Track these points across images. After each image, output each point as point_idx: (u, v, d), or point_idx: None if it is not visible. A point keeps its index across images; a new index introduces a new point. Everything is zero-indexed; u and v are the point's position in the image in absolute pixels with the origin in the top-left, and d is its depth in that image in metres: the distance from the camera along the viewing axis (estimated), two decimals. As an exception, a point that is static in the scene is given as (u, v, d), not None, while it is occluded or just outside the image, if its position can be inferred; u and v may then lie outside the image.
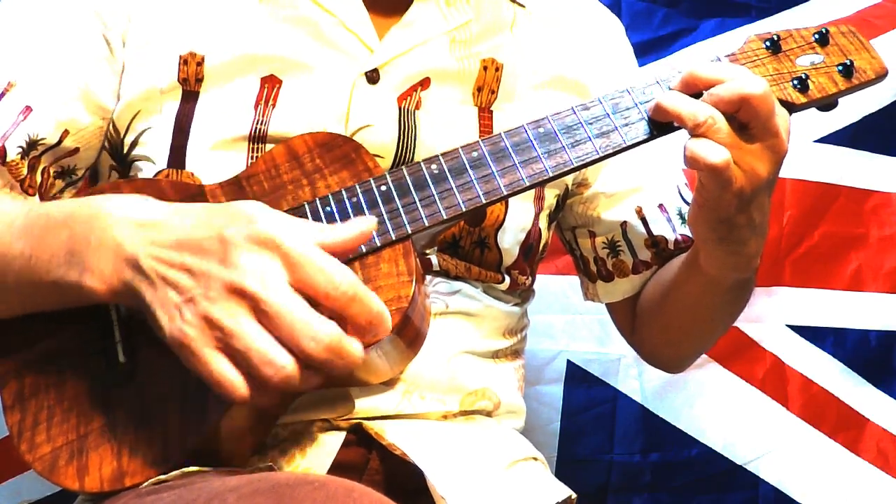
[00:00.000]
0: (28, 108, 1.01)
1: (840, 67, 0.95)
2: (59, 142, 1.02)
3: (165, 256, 0.81)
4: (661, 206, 1.18)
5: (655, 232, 1.17)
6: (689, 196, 1.20)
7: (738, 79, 0.90)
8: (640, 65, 1.29)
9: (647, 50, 1.60)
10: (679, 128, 0.92)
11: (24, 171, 1.01)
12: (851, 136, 1.60)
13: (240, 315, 0.78)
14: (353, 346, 0.79)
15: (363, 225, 0.84)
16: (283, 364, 0.77)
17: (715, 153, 0.88)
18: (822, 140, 1.60)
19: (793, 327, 1.59)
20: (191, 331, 0.78)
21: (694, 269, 1.06)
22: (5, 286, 0.90)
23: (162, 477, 0.86)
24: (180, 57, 1.02)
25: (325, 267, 0.79)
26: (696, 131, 0.89)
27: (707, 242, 0.99)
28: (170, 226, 0.83)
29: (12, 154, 1.00)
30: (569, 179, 1.15)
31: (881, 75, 0.96)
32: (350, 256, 0.89)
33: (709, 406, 1.58)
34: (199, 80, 1.02)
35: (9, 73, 1.02)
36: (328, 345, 0.77)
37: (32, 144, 1.01)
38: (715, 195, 0.91)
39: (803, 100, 0.94)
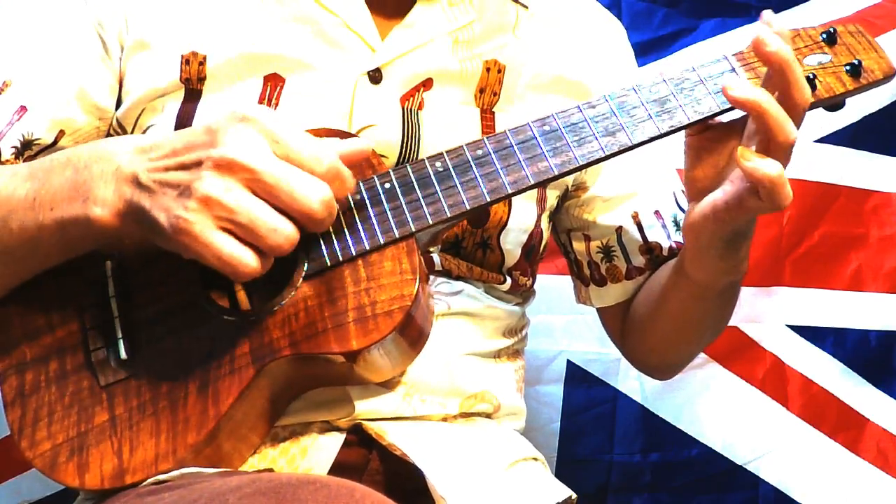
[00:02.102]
0: (23, 108, 1.01)
1: (848, 67, 0.94)
2: (55, 142, 1.02)
3: (161, 165, 0.82)
4: (656, 212, 1.18)
5: (650, 238, 1.17)
6: (685, 203, 1.20)
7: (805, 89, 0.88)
8: (640, 65, 1.29)
9: (647, 50, 1.60)
10: (683, 127, 0.92)
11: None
12: (851, 136, 1.60)
13: (236, 189, 0.79)
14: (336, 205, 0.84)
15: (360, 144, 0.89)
16: (288, 230, 0.80)
17: (788, 196, 0.87)
18: (822, 140, 1.60)
19: (793, 327, 1.59)
20: (191, 216, 0.79)
21: (681, 277, 1.05)
22: (10, 233, 0.89)
23: (162, 477, 0.86)
24: (182, 57, 1.02)
25: (308, 144, 0.82)
26: (772, 142, 0.86)
27: (707, 251, 0.97)
28: (166, 141, 0.84)
29: (6, 154, 1.00)
30: (569, 180, 1.15)
31: (889, 75, 0.95)
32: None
33: (709, 406, 1.58)
34: (202, 80, 1.01)
35: (3, 73, 1.02)
36: (324, 202, 0.81)
37: (27, 144, 1.01)
38: (742, 209, 0.89)
39: (811, 99, 0.94)
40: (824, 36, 0.96)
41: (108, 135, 1.05)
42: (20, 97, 1.01)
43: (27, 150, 1.01)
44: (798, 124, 0.88)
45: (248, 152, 0.80)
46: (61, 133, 1.02)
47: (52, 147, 1.02)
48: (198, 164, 0.80)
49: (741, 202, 0.89)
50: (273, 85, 1.01)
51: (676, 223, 1.18)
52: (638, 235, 1.17)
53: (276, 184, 0.80)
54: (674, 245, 1.17)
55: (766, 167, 0.85)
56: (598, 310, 1.26)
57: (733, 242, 0.95)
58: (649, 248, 1.17)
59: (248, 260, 0.80)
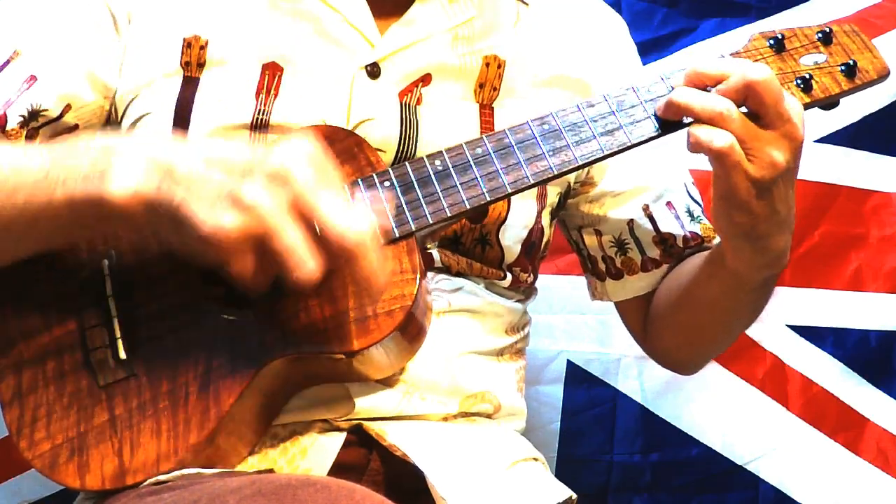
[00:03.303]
0: (33, 77, 1.01)
1: (843, 67, 0.95)
2: (60, 116, 1.02)
3: (203, 157, 0.80)
4: (668, 203, 1.18)
5: (663, 229, 1.17)
6: (697, 194, 1.20)
7: (742, 67, 0.89)
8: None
9: (647, 50, 1.60)
10: (684, 125, 0.92)
11: (22, 141, 1.01)
12: (851, 136, 1.60)
13: (283, 203, 0.77)
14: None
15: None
16: (313, 267, 0.77)
17: (718, 138, 0.87)
18: (822, 140, 1.60)
19: (793, 327, 1.59)
20: (229, 217, 0.77)
21: (718, 268, 1.04)
22: (13, 206, 0.85)
23: (162, 477, 0.86)
24: (184, 39, 1.02)
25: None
26: (710, 124, 0.89)
27: (731, 238, 0.97)
28: (200, 144, 0.83)
29: (13, 123, 1.00)
30: (571, 177, 1.15)
31: (883, 75, 0.96)
32: None
33: (709, 406, 1.58)
34: (201, 66, 1.02)
35: (15, 42, 1.02)
36: (368, 237, 0.79)
37: (34, 115, 1.01)
38: (727, 182, 0.90)
39: (807, 99, 0.95)
40: (820, 36, 0.97)
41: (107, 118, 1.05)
42: (31, 66, 1.01)
43: (33, 120, 1.01)
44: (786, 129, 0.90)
45: (304, 172, 0.78)
46: (67, 107, 1.02)
47: (57, 120, 1.02)
48: (246, 170, 0.78)
49: (714, 172, 0.92)
50: (272, 74, 1.01)
51: (690, 213, 1.18)
52: (650, 227, 1.17)
53: (324, 203, 0.78)
54: (688, 235, 1.17)
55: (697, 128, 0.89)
56: (617, 307, 1.25)
57: (750, 223, 0.94)
58: (663, 239, 1.17)
59: (264, 285, 0.82)
